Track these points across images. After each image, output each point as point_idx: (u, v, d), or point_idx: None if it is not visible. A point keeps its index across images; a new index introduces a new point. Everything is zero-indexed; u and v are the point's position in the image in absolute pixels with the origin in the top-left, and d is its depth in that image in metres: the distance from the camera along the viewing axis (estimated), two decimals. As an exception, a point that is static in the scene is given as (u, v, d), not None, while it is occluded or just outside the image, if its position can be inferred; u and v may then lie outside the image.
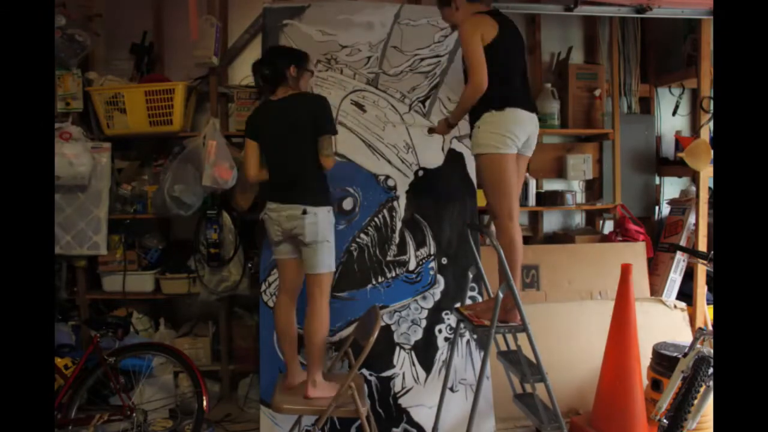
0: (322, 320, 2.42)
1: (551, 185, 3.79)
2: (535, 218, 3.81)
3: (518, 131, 2.37)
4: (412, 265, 3.01)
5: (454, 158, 3.10)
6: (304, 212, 2.37)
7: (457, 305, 2.79)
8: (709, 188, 3.40)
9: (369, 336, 2.24)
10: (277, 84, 2.49)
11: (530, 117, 2.43)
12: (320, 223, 2.39)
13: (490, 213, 2.49)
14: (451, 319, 2.96)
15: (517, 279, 2.42)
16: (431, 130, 2.72)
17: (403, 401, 2.87)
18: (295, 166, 2.45)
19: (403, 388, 2.88)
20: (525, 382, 2.45)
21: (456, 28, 2.65)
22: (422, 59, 3.15)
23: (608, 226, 3.75)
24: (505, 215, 2.40)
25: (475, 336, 2.93)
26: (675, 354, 2.71)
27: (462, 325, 2.64)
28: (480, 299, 2.98)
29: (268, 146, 2.51)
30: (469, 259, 2.83)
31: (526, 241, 3.70)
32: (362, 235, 2.98)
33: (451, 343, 2.76)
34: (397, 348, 2.93)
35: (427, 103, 3.12)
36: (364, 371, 2.88)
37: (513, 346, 2.57)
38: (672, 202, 3.83)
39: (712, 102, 3.29)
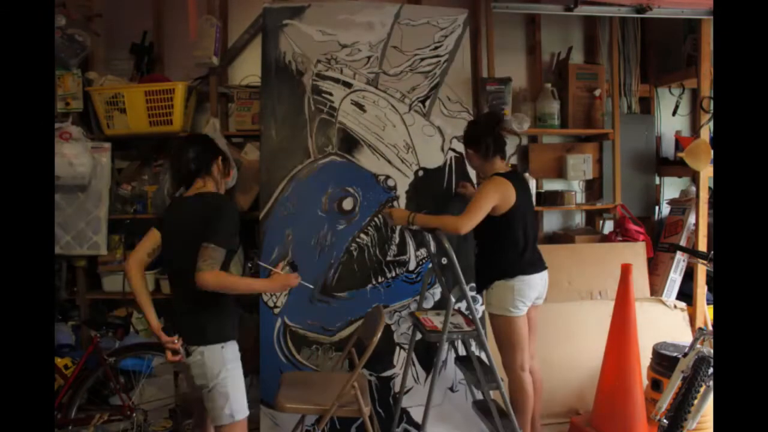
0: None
1: (551, 185, 3.79)
2: (535, 218, 3.80)
3: (530, 294, 2.53)
4: (412, 265, 3.01)
5: (454, 158, 3.10)
6: (188, 353, 2.02)
7: (413, 311, 2.84)
8: (709, 188, 3.40)
9: (373, 335, 2.24)
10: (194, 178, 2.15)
11: (541, 276, 2.59)
12: (207, 363, 2.00)
13: (503, 363, 2.59)
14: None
15: (526, 425, 2.56)
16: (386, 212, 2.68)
17: (403, 401, 2.87)
18: (183, 286, 2.04)
19: (403, 388, 2.88)
20: (479, 388, 2.50)
21: (472, 164, 2.77)
22: (422, 59, 3.15)
23: (608, 226, 3.75)
24: (518, 367, 2.54)
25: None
26: (675, 354, 2.72)
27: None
28: (480, 299, 2.98)
29: (168, 244, 2.13)
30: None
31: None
32: (362, 235, 2.98)
33: (409, 345, 2.76)
34: (397, 348, 2.93)
35: (427, 103, 3.12)
36: (364, 371, 2.88)
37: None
38: (672, 202, 3.83)
39: (712, 102, 3.29)
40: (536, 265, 2.59)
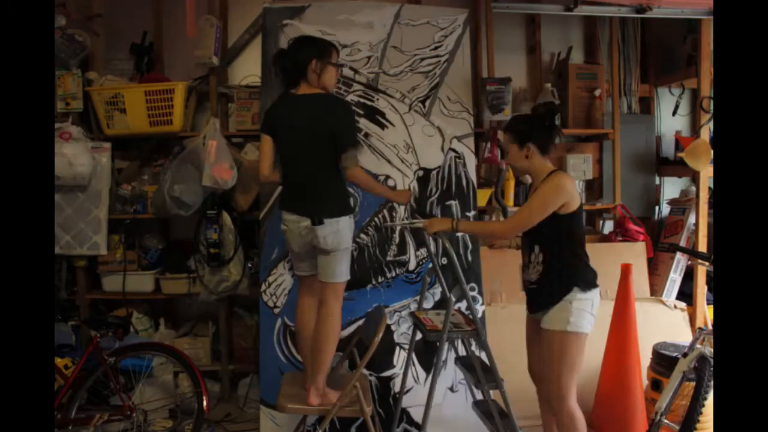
0: (336, 327, 2.36)
1: (551, 185, 3.78)
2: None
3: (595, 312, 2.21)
4: (412, 265, 3.01)
5: (454, 158, 3.10)
6: (320, 222, 2.26)
7: (413, 310, 2.79)
8: (709, 188, 3.40)
9: (374, 335, 2.23)
10: (298, 78, 2.34)
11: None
12: (341, 231, 2.30)
13: (551, 389, 2.23)
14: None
15: None
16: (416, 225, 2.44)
17: (403, 401, 2.86)
18: (314, 171, 2.31)
19: (403, 388, 2.87)
20: (479, 388, 2.40)
21: (515, 171, 2.42)
22: (422, 59, 3.15)
23: (608, 226, 3.75)
24: (571, 395, 2.18)
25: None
26: (675, 354, 2.71)
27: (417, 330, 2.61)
28: (480, 300, 2.99)
29: (284, 146, 2.37)
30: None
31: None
32: (362, 235, 2.98)
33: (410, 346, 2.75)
34: (397, 348, 2.93)
35: (427, 103, 3.12)
36: (364, 371, 2.88)
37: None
38: (672, 202, 3.83)
39: (712, 102, 3.29)
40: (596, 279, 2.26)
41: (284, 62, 2.36)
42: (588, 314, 2.16)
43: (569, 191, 2.15)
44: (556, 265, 2.19)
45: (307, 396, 2.33)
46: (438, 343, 2.36)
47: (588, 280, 2.19)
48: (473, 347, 2.59)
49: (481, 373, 2.42)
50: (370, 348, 2.24)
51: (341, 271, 2.35)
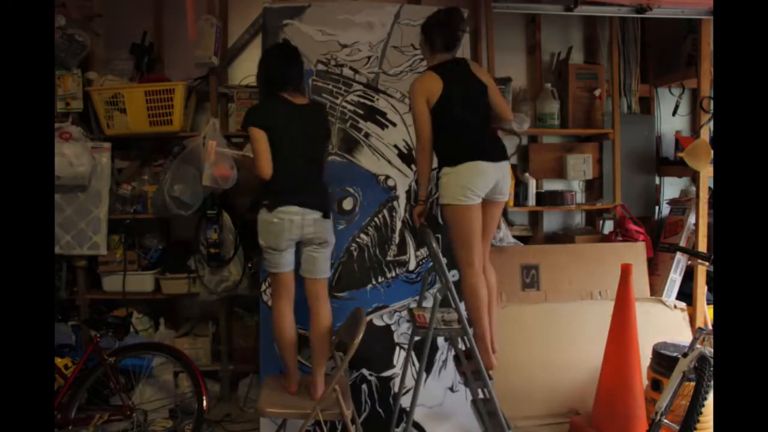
0: (330, 321, 2.54)
1: (551, 185, 3.79)
2: (535, 218, 3.81)
3: (478, 183, 2.44)
4: (412, 265, 3.01)
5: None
6: (326, 216, 2.47)
7: (413, 306, 2.82)
8: (709, 188, 3.40)
9: (354, 337, 2.23)
10: (297, 89, 2.56)
11: (493, 166, 2.47)
12: (333, 227, 2.55)
13: (456, 258, 2.55)
14: (451, 319, 2.96)
15: (482, 321, 2.49)
16: (419, 223, 2.66)
17: (403, 401, 2.86)
18: (316, 171, 2.55)
19: (403, 388, 2.87)
20: (467, 386, 2.47)
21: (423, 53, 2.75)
22: (422, 59, 3.14)
23: (608, 226, 3.75)
24: (465, 263, 2.49)
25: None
26: (675, 354, 2.71)
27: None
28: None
29: (286, 147, 2.44)
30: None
31: (526, 240, 3.71)
32: (362, 235, 2.98)
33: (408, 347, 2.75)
34: (397, 348, 2.93)
35: (427, 103, 3.12)
36: (364, 371, 2.88)
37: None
38: (672, 202, 3.83)
39: (712, 102, 3.29)
40: (485, 152, 2.46)
41: (294, 73, 2.56)
42: (454, 186, 2.43)
43: (420, 89, 2.47)
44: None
45: (314, 391, 2.42)
46: (424, 339, 2.37)
47: (447, 156, 2.48)
48: (460, 345, 2.57)
49: (468, 371, 2.42)
50: (350, 350, 2.23)
51: (328, 266, 2.58)
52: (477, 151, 2.46)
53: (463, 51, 3.17)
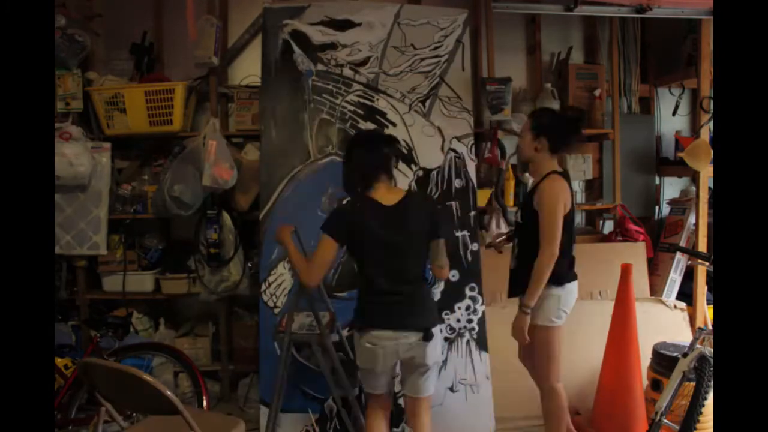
0: None
1: (551, 185, 3.78)
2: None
3: (571, 305, 2.41)
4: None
5: (454, 158, 3.10)
6: (429, 337, 2.07)
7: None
8: (709, 188, 3.40)
9: None
10: (380, 177, 2.14)
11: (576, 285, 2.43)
12: (440, 343, 2.18)
13: (540, 376, 2.46)
14: (451, 319, 2.96)
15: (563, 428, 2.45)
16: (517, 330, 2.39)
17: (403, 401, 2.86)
18: (414, 281, 2.12)
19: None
20: (331, 393, 2.58)
21: (521, 155, 2.55)
22: (422, 59, 3.15)
23: (608, 226, 3.75)
24: (554, 379, 2.42)
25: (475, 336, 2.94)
26: (675, 354, 2.71)
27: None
28: (480, 300, 2.98)
29: (374, 254, 2.09)
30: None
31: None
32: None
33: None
34: (397, 348, 2.92)
35: (427, 103, 3.12)
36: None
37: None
38: (672, 202, 3.83)
39: (712, 102, 3.29)
40: (573, 273, 2.44)
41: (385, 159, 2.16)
42: (555, 309, 2.33)
43: (564, 197, 2.29)
44: (530, 258, 2.31)
45: None
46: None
47: (558, 276, 2.31)
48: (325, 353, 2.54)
49: (330, 377, 2.49)
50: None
51: (435, 382, 2.21)
52: (572, 270, 2.43)
53: (464, 51, 3.18)
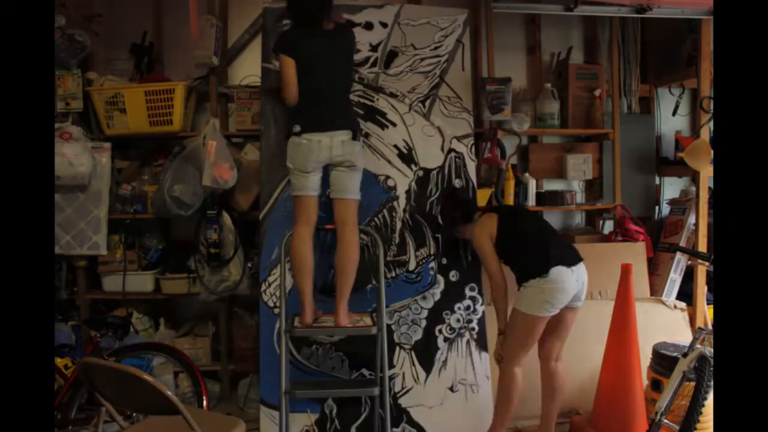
0: (356, 248, 2.57)
1: (551, 185, 3.79)
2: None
3: (561, 296, 2.48)
4: (412, 265, 3.01)
5: (454, 158, 3.10)
6: (355, 138, 2.53)
7: None
8: (709, 188, 3.40)
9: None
10: (325, 16, 2.60)
11: (575, 271, 2.53)
12: (362, 152, 2.61)
13: (503, 352, 2.62)
14: (451, 319, 2.96)
15: (507, 416, 2.64)
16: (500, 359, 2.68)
17: (403, 401, 2.87)
18: (344, 93, 2.61)
19: (403, 388, 2.88)
20: None
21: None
22: (422, 59, 3.15)
23: (608, 226, 3.75)
24: (513, 362, 2.57)
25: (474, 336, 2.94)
26: (675, 354, 2.71)
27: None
28: (480, 300, 2.99)
29: (312, 71, 2.53)
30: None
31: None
32: (362, 235, 2.98)
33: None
34: (397, 348, 2.93)
35: (427, 103, 3.12)
36: (364, 371, 2.88)
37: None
38: (672, 202, 3.83)
39: (712, 102, 3.29)
40: (566, 258, 2.55)
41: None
42: (524, 298, 2.51)
43: (482, 233, 2.63)
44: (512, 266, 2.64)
45: (338, 317, 2.54)
46: None
47: (527, 271, 2.54)
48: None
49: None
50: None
51: (357, 187, 2.61)
52: (560, 256, 2.54)
53: (464, 51, 3.18)
